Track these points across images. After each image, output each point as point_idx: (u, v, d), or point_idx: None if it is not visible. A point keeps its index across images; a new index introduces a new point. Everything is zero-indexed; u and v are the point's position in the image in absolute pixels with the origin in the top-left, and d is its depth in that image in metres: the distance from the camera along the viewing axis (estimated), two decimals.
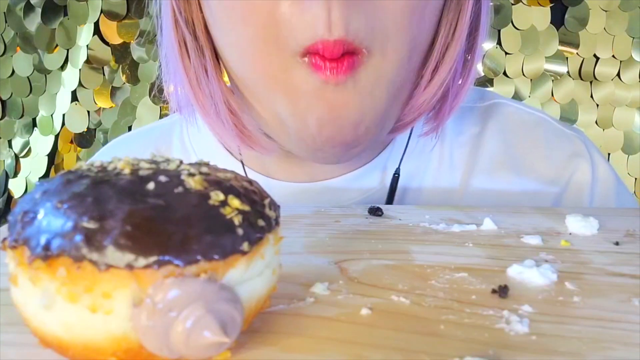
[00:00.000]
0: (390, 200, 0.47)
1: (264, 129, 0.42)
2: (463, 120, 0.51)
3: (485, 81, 1.30)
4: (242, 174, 0.43)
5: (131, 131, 0.64)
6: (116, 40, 1.36)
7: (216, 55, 0.42)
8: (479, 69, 1.38)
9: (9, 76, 1.44)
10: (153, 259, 0.16)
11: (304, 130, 0.37)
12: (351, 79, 0.35)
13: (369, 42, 0.34)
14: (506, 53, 1.29)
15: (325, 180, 0.47)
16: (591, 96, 1.30)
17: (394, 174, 0.46)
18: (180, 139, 0.53)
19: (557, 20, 1.28)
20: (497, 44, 1.29)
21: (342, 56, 0.34)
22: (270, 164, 0.48)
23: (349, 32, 0.33)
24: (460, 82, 0.43)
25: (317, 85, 0.35)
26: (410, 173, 0.48)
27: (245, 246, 0.18)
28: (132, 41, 1.34)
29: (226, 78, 0.43)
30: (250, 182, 0.21)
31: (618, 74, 1.28)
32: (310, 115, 0.36)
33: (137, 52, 1.35)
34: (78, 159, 1.42)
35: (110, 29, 1.35)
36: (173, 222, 0.17)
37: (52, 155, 1.44)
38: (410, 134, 0.47)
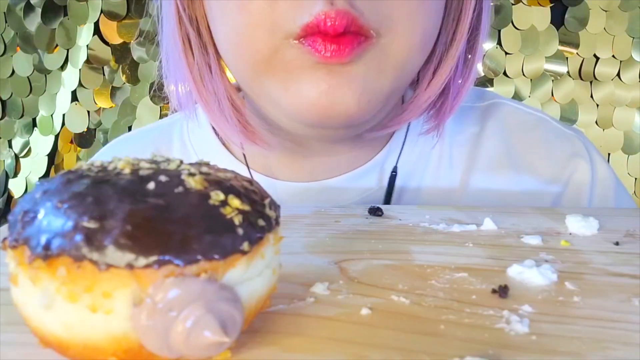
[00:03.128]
0: (387, 199, 0.46)
1: (264, 114, 0.41)
2: (463, 119, 0.51)
3: (485, 81, 1.30)
4: (244, 173, 0.43)
5: (131, 131, 0.64)
6: (116, 40, 1.36)
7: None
8: (479, 68, 1.38)
9: (9, 76, 1.44)
10: (153, 258, 0.16)
11: (301, 99, 0.34)
12: (354, 61, 0.33)
13: (375, 24, 0.33)
14: (506, 53, 1.29)
15: (325, 179, 0.47)
16: (591, 96, 1.30)
17: (392, 172, 0.46)
18: (181, 138, 0.53)
19: (557, 20, 1.28)
20: (497, 44, 1.29)
21: (345, 34, 0.32)
22: (272, 162, 0.48)
23: (353, 7, 0.32)
24: (460, 81, 0.43)
25: (314, 61, 0.33)
26: (409, 172, 0.48)
27: (245, 246, 0.18)
28: (132, 41, 1.34)
29: (229, 75, 0.43)
30: (251, 181, 0.21)
31: (618, 74, 1.28)
32: (306, 83, 0.34)
33: (137, 52, 1.35)
34: (78, 159, 1.42)
35: (110, 29, 1.35)
36: (173, 221, 0.17)
37: (52, 155, 1.44)
38: (407, 133, 0.47)
